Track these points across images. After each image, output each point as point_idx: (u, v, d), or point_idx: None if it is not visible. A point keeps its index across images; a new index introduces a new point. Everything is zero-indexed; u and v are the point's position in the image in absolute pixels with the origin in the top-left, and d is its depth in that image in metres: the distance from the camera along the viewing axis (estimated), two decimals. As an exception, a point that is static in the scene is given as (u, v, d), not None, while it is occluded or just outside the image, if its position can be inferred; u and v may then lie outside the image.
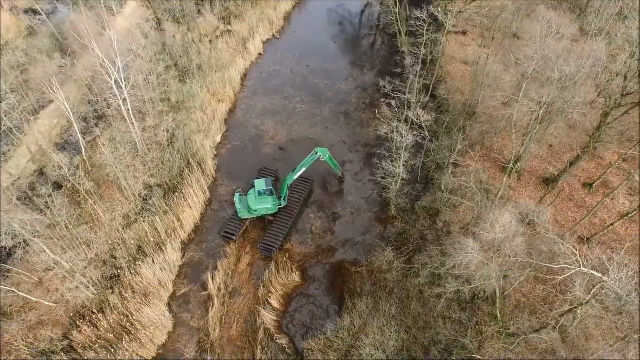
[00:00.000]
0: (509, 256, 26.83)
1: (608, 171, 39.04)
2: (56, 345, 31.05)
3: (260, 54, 58.86)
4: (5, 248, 34.13)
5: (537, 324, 30.00)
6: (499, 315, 30.75)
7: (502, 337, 30.11)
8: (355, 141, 47.64)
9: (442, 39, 47.26)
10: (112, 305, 32.86)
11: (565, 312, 26.96)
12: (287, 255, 37.45)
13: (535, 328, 29.10)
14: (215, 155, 45.79)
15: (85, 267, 34.09)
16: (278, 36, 62.36)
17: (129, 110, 39.73)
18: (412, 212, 39.85)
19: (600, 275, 23.86)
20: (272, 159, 45.56)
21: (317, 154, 38.35)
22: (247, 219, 39.00)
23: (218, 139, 47.49)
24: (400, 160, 35.46)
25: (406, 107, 39.23)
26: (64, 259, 32.34)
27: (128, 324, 31.82)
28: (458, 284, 28.97)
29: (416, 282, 33.66)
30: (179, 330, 33.46)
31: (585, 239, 35.99)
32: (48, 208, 34.39)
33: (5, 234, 30.67)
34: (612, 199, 38.63)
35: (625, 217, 34.07)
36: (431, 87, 47.93)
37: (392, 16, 54.19)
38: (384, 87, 40.54)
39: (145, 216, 38.20)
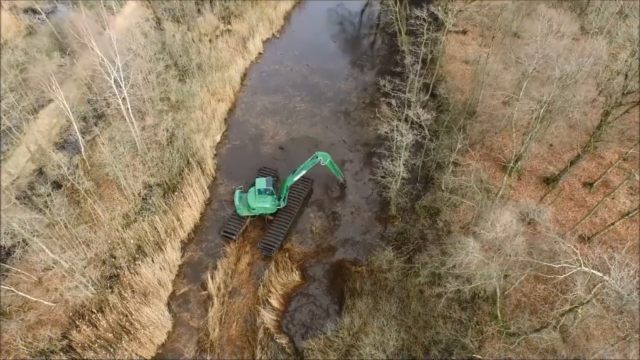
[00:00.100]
0: (510, 255, 26.77)
1: (609, 170, 38.97)
2: (55, 344, 31.00)
3: (260, 54, 58.73)
4: (5, 247, 34.08)
5: (537, 323, 29.89)
6: (499, 314, 30.67)
7: (502, 336, 30.02)
8: (355, 140, 47.54)
9: (442, 38, 47.25)
10: (111, 305, 32.79)
11: (565, 312, 26.87)
12: (287, 255, 37.39)
13: (536, 327, 29.00)
14: (215, 155, 45.70)
15: (85, 267, 34.06)
16: (278, 35, 62.22)
17: (128, 109, 39.67)
18: (412, 211, 39.78)
19: (601, 274, 23.77)
20: (272, 158, 45.47)
21: (317, 158, 37.78)
22: (246, 217, 38.95)
23: (218, 138, 47.42)
24: (400, 160, 35.37)
25: (406, 106, 39.17)
26: (63, 259, 32.26)
27: (127, 323, 31.76)
28: (458, 284, 28.91)
29: (416, 281, 33.60)
30: (179, 329, 33.40)
31: (585, 238, 35.91)
32: (47, 207, 34.29)
33: (5, 233, 30.57)
34: (613, 198, 38.55)
35: (626, 217, 34.03)
36: (431, 86, 47.85)
37: (392, 15, 54.04)
38: (384, 86, 40.48)
39: (144, 215, 38.15)
